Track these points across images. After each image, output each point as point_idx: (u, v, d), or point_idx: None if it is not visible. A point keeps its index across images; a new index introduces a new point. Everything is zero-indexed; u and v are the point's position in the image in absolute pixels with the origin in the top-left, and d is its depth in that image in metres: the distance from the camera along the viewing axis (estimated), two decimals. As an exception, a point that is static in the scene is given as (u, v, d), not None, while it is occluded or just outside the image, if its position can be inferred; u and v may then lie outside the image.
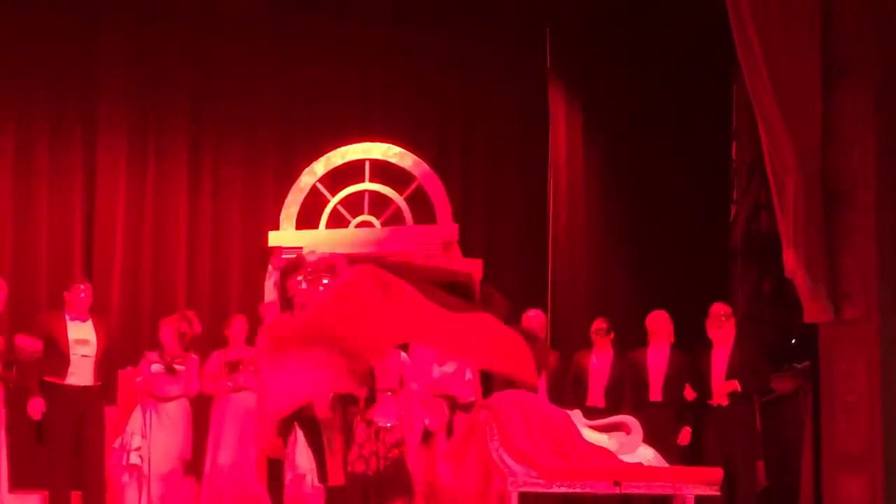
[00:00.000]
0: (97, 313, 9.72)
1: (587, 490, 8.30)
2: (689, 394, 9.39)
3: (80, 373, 9.30)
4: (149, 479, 9.51)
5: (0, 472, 9.16)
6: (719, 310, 9.44)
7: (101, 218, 11.25)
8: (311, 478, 9.56)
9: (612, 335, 9.94)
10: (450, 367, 9.74)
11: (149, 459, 9.54)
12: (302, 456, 9.67)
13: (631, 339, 9.96)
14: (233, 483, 9.77)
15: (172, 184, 11.47)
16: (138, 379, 9.76)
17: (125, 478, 9.53)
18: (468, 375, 9.64)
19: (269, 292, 11.28)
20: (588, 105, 11.41)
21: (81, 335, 9.42)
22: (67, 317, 9.45)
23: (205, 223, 11.57)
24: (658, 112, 11.16)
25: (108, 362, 9.46)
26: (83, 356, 9.33)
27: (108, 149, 11.26)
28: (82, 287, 9.57)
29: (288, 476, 9.67)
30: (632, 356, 9.76)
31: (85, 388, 9.31)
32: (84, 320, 9.50)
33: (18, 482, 9.35)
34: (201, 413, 9.88)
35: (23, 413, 9.16)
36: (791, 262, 8.17)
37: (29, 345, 9.08)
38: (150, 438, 9.60)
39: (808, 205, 8.11)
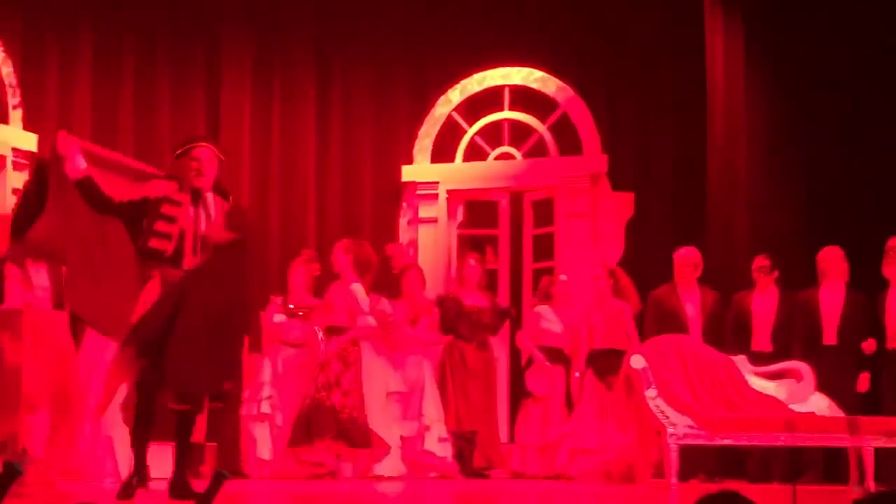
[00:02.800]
0: None
1: (754, 443, 8.05)
2: (869, 345, 9.08)
3: None
4: (280, 429, 9.38)
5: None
6: (896, 244, 9.03)
7: (226, 157, 11.02)
8: (439, 428, 9.50)
9: (777, 273, 9.59)
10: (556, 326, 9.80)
11: (280, 408, 9.43)
12: (430, 405, 9.56)
13: (797, 278, 9.59)
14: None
15: (299, 120, 11.42)
16: (277, 317, 9.58)
17: (256, 428, 9.41)
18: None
19: (404, 231, 11.11)
20: (749, 21, 10.79)
21: None
22: None
23: (334, 159, 11.47)
24: (830, 28, 10.43)
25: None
26: None
27: (231, 88, 11.27)
28: None
29: (414, 426, 9.64)
30: (802, 296, 9.45)
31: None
32: None
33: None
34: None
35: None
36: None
37: None
38: (280, 389, 9.46)
39: None
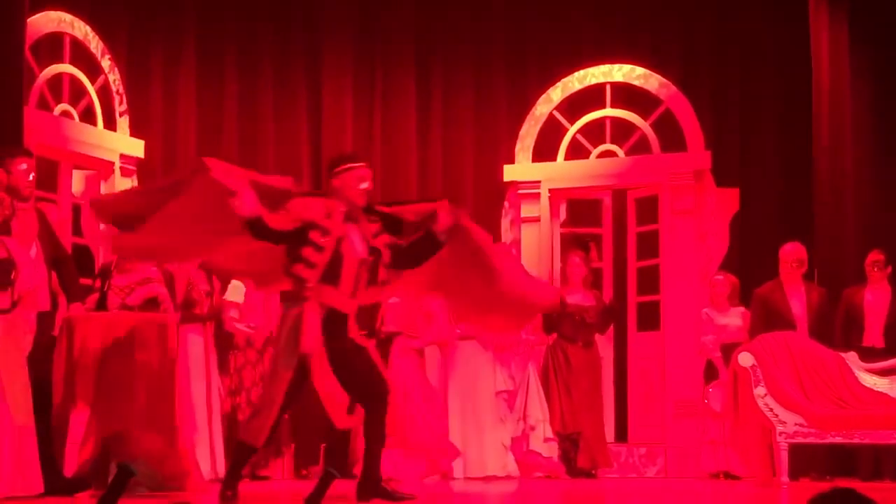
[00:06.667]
0: None
1: (866, 441, 7.99)
2: None
3: None
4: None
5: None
6: None
7: (328, 159, 11.24)
8: (544, 428, 9.52)
9: (890, 269, 9.52)
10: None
11: None
12: (534, 405, 9.54)
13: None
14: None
15: (400, 122, 11.50)
16: None
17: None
18: None
19: (506, 231, 11.18)
20: (854, 17, 10.72)
21: None
22: None
23: (435, 160, 11.54)
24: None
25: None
26: None
27: (333, 91, 11.35)
28: None
29: (519, 427, 9.72)
30: None
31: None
32: None
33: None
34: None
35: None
36: None
37: None
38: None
39: None
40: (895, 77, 10.47)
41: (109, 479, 4.50)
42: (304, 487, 6.47)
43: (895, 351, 8.81)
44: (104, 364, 7.24)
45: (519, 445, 9.74)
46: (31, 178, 7.29)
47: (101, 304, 7.99)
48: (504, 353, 9.76)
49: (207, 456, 8.60)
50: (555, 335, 10.02)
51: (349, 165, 6.49)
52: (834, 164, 10.49)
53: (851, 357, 8.28)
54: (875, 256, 9.49)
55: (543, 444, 9.70)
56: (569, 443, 9.84)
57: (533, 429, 9.71)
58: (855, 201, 10.43)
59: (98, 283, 8.13)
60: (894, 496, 6.83)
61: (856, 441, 8.01)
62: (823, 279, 9.97)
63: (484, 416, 9.54)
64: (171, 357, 7.53)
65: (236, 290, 9.34)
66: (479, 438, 9.59)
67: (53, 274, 7.36)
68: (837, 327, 9.47)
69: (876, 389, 8.06)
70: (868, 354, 8.66)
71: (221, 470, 8.62)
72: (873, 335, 9.33)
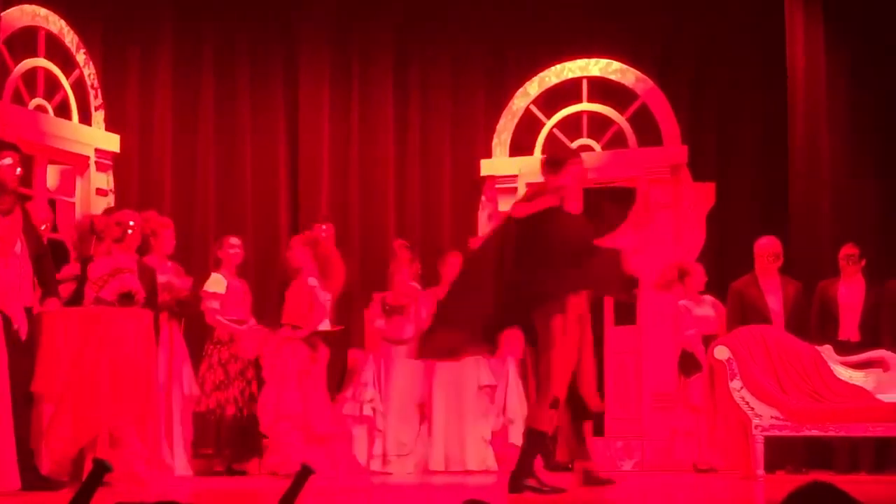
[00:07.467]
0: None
1: (841, 433, 8.01)
2: None
3: None
4: (383, 433, 9.60)
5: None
6: None
7: (305, 153, 11.33)
8: (522, 423, 9.54)
9: (864, 262, 9.58)
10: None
11: (382, 412, 9.63)
12: (513, 399, 9.72)
13: (881, 267, 9.59)
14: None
15: (378, 116, 11.49)
16: (378, 322, 9.71)
17: (357, 429, 9.60)
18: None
19: (484, 225, 11.20)
20: (829, 10, 10.77)
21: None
22: None
23: (413, 155, 11.54)
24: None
25: (346, 306, 9.48)
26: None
27: (311, 85, 11.35)
28: (324, 227, 9.63)
29: (499, 421, 9.77)
30: (889, 285, 9.39)
31: (324, 333, 9.35)
32: None
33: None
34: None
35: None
36: None
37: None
38: (384, 389, 9.63)
39: None
40: (870, 73, 10.50)
41: (84, 475, 4.50)
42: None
43: (870, 344, 8.86)
44: (78, 360, 7.24)
45: (498, 439, 9.76)
46: (17, 172, 7.28)
47: (78, 297, 7.99)
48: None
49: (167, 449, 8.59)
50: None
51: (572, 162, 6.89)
52: (809, 159, 10.53)
53: (827, 350, 8.32)
54: (848, 250, 9.54)
55: (522, 437, 9.72)
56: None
57: (512, 422, 9.74)
58: (830, 195, 10.48)
59: (79, 270, 8.13)
60: (871, 489, 6.87)
61: (831, 434, 8.06)
62: (799, 273, 10.01)
63: (467, 410, 9.57)
64: (147, 351, 7.54)
65: (216, 282, 9.32)
66: (461, 433, 9.61)
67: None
68: (812, 321, 9.51)
69: (851, 383, 8.10)
70: (844, 348, 8.71)
71: (182, 466, 8.65)
72: (849, 329, 9.39)
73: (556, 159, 6.93)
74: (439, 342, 6.81)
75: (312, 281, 8.93)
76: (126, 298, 7.82)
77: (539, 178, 11.13)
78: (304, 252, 9.07)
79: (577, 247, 6.59)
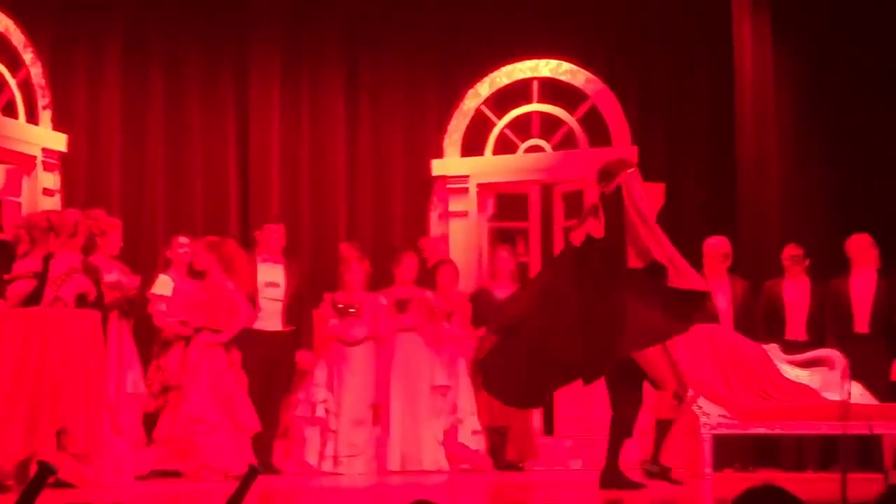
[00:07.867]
0: (289, 255, 9.74)
1: (787, 431, 8.08)
2: None
3: (269, 317, 9.35)
4: (336, 434, 9.55)
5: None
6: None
7: (256, 154, 11.28)
8: (471, 423, 9.68)
9: (808, 262, 9.67)
10: None
11: (335, 413, 9.59)
12: (464, 399, 9.71)
13: (826, 266, 9.69)
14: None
15: (328, 116, 11.46)
16: (332, 322, 9.70)
17: (309, 430, 9.58)
18: None
19: (435, 225, 11.21)
20: (777, 10, 10.86)
21: (271, 278, 9.43)
22: (258, 258, 9.46)
23: (364, 155, 11.51)
24: (858, 14, 10.51)
25: (297, 306, 9.48)
26: (271, 300, 9.33)
27: (261, 84, 11.31)
28: (275, 228, 9.60)
29: (449, 420, 9.79)
30: (833, 284, 9.50)
31: (274, 333, 9.28)
32: (276, 262, 9.51)
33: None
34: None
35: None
36: None
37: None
38: (336, 390, 9.60)
39: None
40: (818, 74, 10.60)
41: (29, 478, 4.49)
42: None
43: (817, 344, 8.95)
44: (24, 362, 7.19)
45: (448, 438, 9.78)
46: None
47: (38, 295, 7.92)
48: (435, 346, 9.79)
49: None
50: (483, 329, 10.05)
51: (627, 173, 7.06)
52: (757, 160, 10.61)
53: (773, 349, 8.37)
54: (792, 251, 9.62)
55: (471, 436, 9.75)
56: (497, 436, 9.89)
57: (461, 422, 9.76)
58: (778, 196, 10.56)
59: (39, 267, 8.05)
60: (817, 486, 6.92)
61: (778, 432, 8.11)
62: (747, 272, 10.08)
63: (421, 410, 9.59)
64: (95, 352, 7.51)
65: (163, 284, 9.29)
66: (416, 433, 9.63)
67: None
68: (759, 320, 9.59)
69: (798, 381, 8.15)
70: (790, 347, 8.77)
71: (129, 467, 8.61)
72: (795, 328, 9.48)
73: (607, 170, 6.96)
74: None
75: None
76: (81, 300, 7.80)
77: (488, 179, 11.40)
78: (208, 256, 9.14)
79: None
